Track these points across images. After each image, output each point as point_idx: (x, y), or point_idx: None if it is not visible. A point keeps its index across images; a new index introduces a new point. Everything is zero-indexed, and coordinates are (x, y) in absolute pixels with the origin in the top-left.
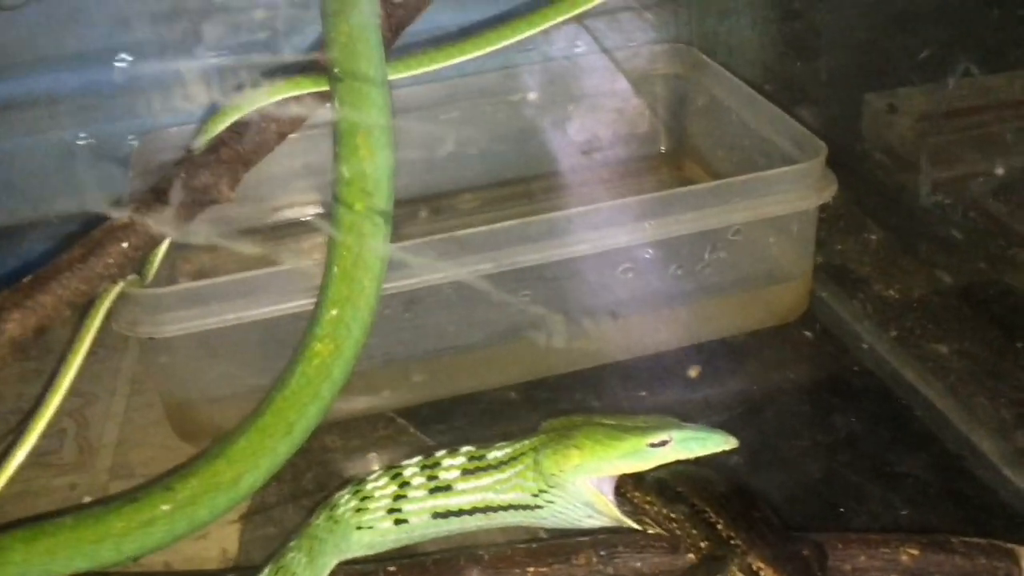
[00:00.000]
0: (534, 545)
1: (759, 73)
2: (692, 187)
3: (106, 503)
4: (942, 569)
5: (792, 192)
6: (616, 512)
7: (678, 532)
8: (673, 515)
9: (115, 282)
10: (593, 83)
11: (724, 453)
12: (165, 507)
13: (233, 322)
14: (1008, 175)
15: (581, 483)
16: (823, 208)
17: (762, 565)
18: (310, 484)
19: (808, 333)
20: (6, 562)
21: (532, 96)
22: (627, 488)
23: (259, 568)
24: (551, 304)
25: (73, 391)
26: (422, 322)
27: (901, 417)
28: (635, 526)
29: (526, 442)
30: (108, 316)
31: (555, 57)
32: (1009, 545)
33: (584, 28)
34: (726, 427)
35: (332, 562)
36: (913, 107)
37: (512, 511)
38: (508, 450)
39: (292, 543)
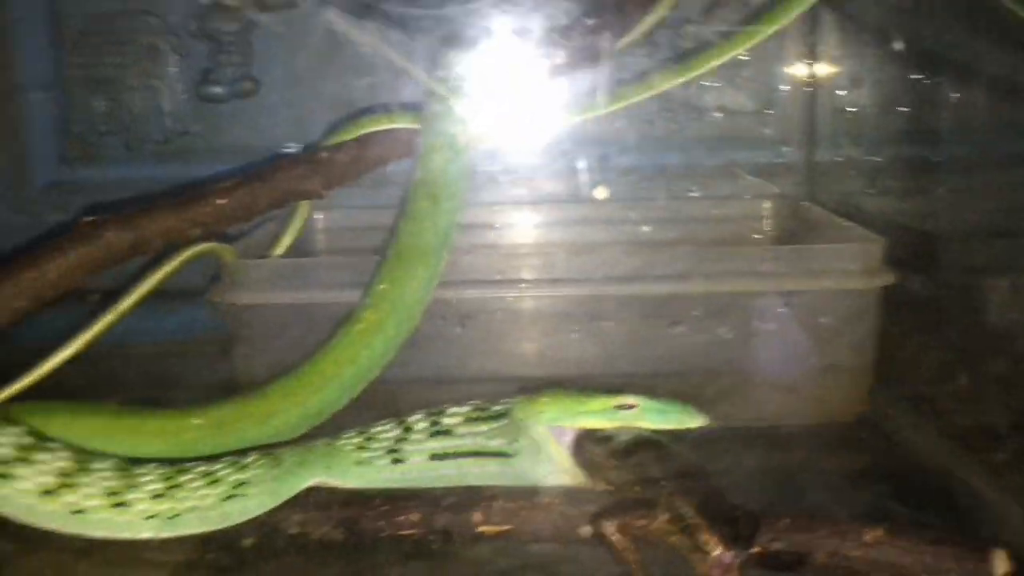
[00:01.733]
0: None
1: None
2: (743, 247)
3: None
4: (908, 555)
5: (842, 268)
6: (567, 461)
7: (618, 481)
8: (615, 464)
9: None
10: None
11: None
12: (196, 421)
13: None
14: None
15: (543, 431)
16: (895, 322)
17: (685, 504)
18: None
19: (863, 434)
20: (49, 426)
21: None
22: (585, 445)
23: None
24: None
25: None
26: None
27: (948, 506)
28: (583, 479)
29: (522, 399)
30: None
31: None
32: (983, 545)
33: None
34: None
35: (316, 477)
36: None
37: (497, 459)
38: (507, 405)
39: (287, 448)
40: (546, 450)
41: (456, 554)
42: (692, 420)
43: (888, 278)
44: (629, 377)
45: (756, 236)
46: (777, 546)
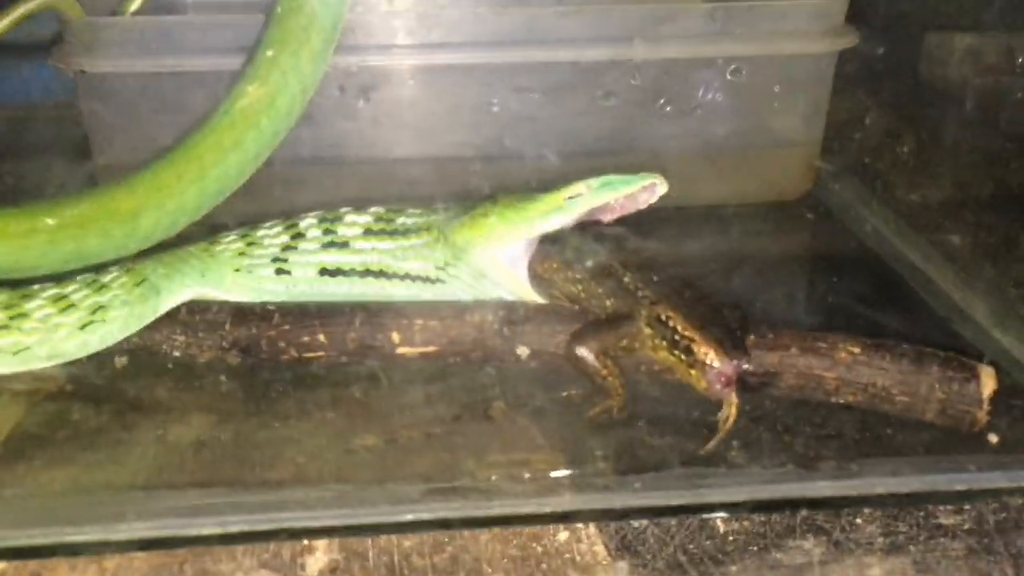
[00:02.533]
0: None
1: None
2: (688, 5)
3: None
4: (886, 375)
5: (801, 29)
6: (527, 286)
7: (583, 295)
8: (579, 276)
9: None
10: None
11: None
12: (50, 221)
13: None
14: None
15: (491, 256)
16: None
17: (672, 314)
18: None
19: (809, 215)
20: None
21: None
22: (535, 264)
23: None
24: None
25: None
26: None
27: (899, 291)
28: (542, 300)
29: (440, 212)
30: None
31: None
32: (970, 360)
33: None
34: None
35: (188, 290)
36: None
37: (408, 282)
38: (419, 219)
39: (152, 258)
40: (494, 275)
41: (373, 380)
42: (654, 180)
43: (851, 39)
44: (558, 156)
45: None
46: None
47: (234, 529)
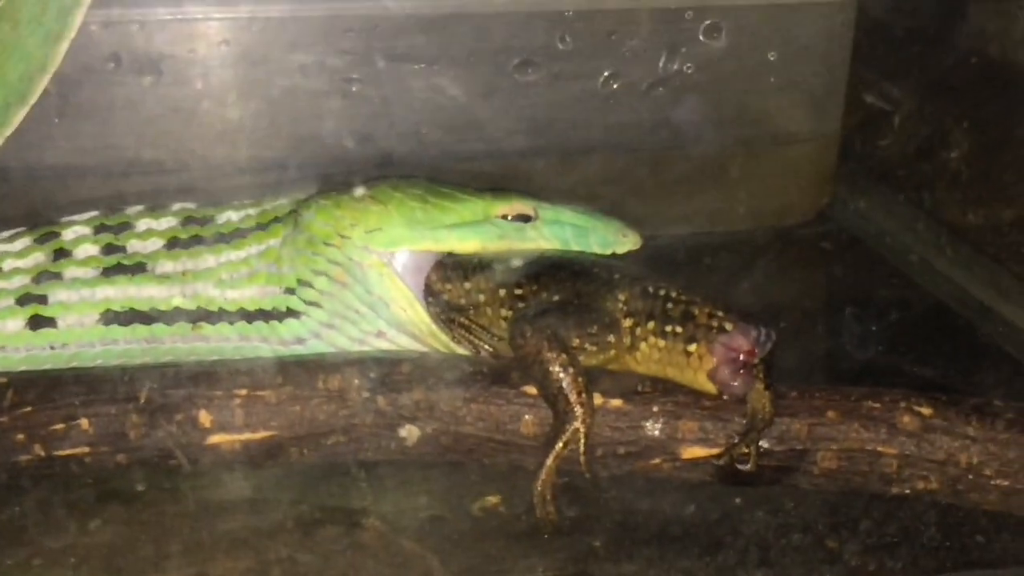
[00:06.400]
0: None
1: None
2: None
3: None
4: (974, 447)
5: None
6: (423, 312)
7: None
8: (516, 289)
9: None
10: None
11: None
12: None
13: None
14: None
15: (374, 260)
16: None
17: (664, 286)
18: None
19: (826, 244)
20: None
21: None
22: (432, 281)
23: None
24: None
25: None
26: None
27: (968, 342)
28: (451, 343)
29: (284, 201)
30: None
31: None
32: None
33: None
34: None
35: None
36: None
37: (246, 325)
38: (252, 211)
39: None
40: (381, 295)
41: (170, 490)
42: (620, 241)
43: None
44: (451, 159)
45: None
46: (752, 445)
47: None
